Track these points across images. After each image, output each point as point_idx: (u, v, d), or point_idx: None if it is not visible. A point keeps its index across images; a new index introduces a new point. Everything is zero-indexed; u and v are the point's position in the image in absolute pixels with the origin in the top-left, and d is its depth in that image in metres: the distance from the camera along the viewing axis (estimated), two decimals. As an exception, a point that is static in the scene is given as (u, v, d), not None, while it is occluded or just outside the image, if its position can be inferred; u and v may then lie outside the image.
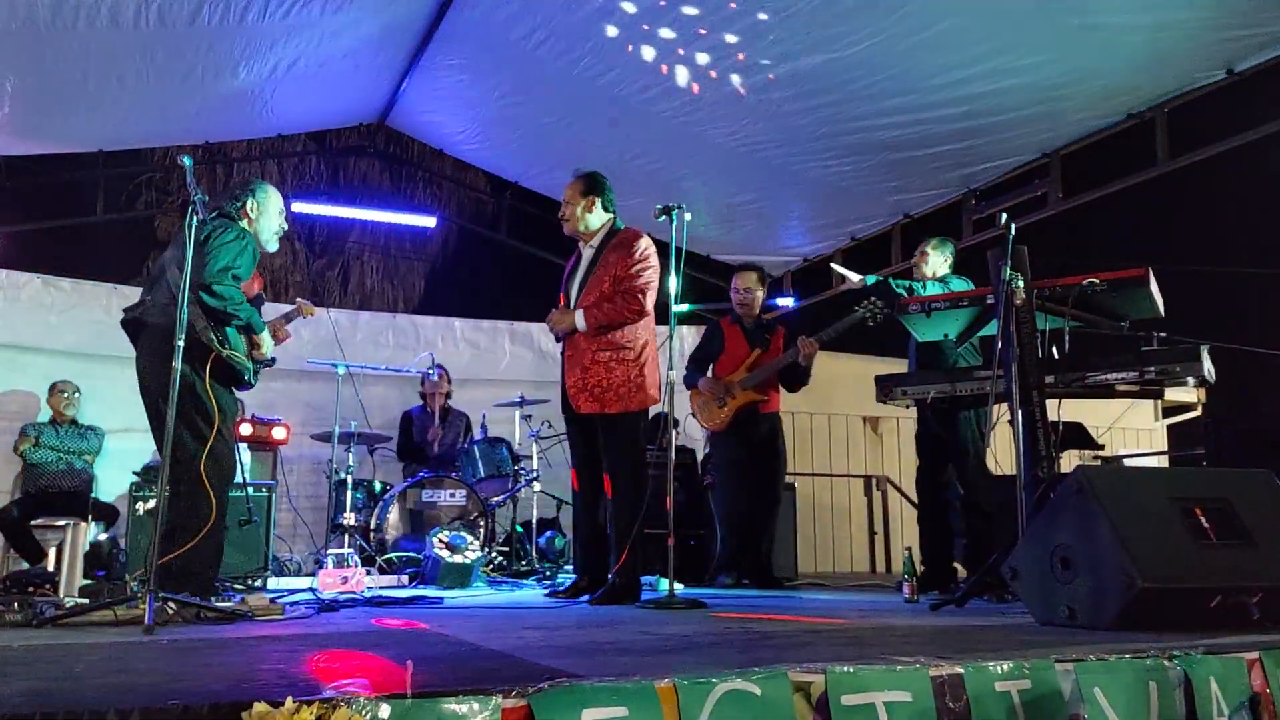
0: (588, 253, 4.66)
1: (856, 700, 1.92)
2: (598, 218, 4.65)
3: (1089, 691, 2.16)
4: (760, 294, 6.12)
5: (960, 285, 5.42)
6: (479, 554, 5.75)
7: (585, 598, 4.45)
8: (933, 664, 2.04)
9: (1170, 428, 10.55)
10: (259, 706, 1.45)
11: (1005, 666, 2.09)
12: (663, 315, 4.41)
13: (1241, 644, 2.43)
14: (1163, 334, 4.61)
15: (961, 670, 2.04)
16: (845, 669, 1.95)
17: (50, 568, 6.01)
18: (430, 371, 7.36)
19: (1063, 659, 2.18)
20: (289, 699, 1.47)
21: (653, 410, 4.64)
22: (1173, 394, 4.39)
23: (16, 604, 3.08)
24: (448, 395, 7.60)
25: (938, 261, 5.74)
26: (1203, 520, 3.09)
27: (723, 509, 6.12)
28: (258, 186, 4.27)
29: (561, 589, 4.74)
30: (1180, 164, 6.06)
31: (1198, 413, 5.45)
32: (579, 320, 4.46)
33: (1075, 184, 6.64)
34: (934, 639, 2.67)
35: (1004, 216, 4.04)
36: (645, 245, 4.51)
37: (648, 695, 1.75)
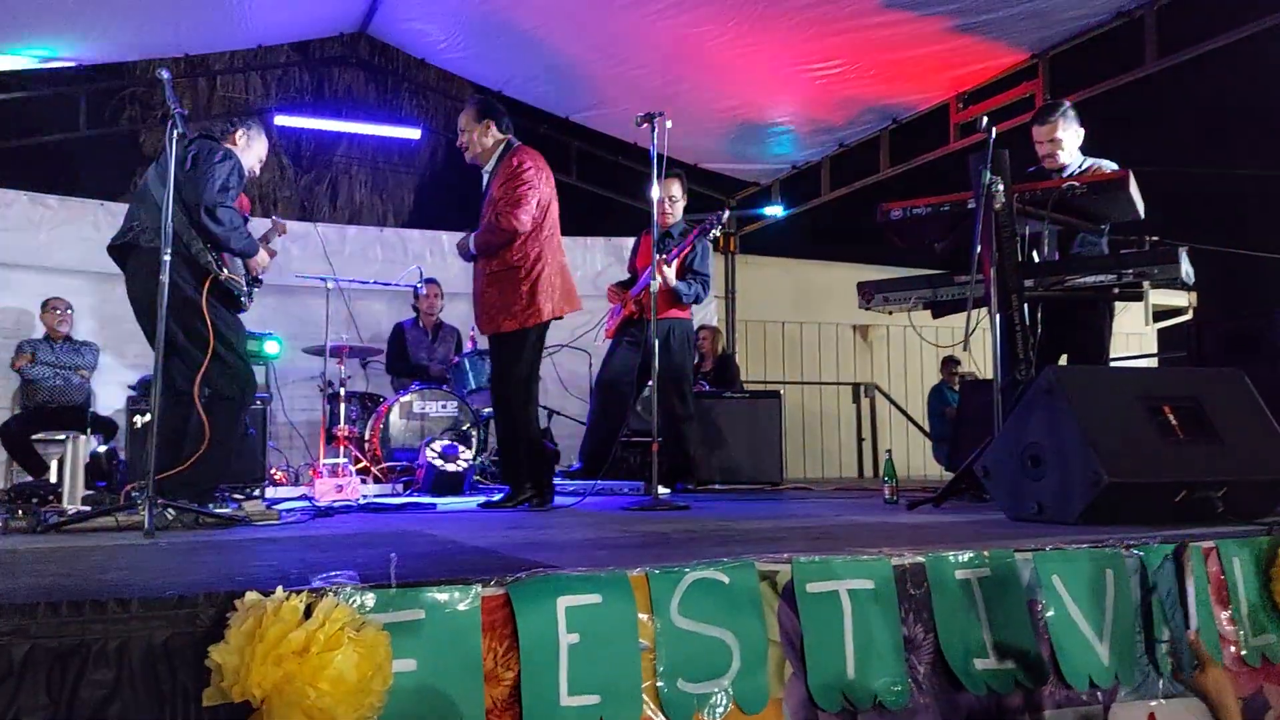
0: (485, 176, 4.65)
1: (821, 588, 2.03)
2: (491, 139, 4.59)
3: (1047, 579, 2.26)
4: (681, 202, 6.00)
5: None
6: (471, 462, 5.87)
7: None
8: (895, 554, 2.14)
9: (1160, 332, 10.64)
10: (250, 595, 1.54)
11: (965, 556, 2.19)
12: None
13: (1202, 535, 2.53)
14: (1154, 237, 4.64)
15: (923, 559, 2.15)
16: (811, 559, 2.05)
17: (52, 480, 6.14)
18: (419, 285, 7.39)
19: (1022, 549, 2.28)
20: (279, 588, 1.56)
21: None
22: (1163, 298, 4.42)
23: (21, 511, 3.17)
24: (440, 309, 7.64)
25: None
26: (1171, 418, 3.17)
27: (590, 408, 6.15)
28: (254, 123, 4.33)
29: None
30: (1169, 63, 6.00)
31: (1189, 316, 5.48)
32: (470, 244, 4.55)
33: (1062, 86, 6.59)
34: (902, 534, 2.78)
35: (984, 119, 4.04)
36: (520, 163, 4.45)
37: (620, 584, 1.85)
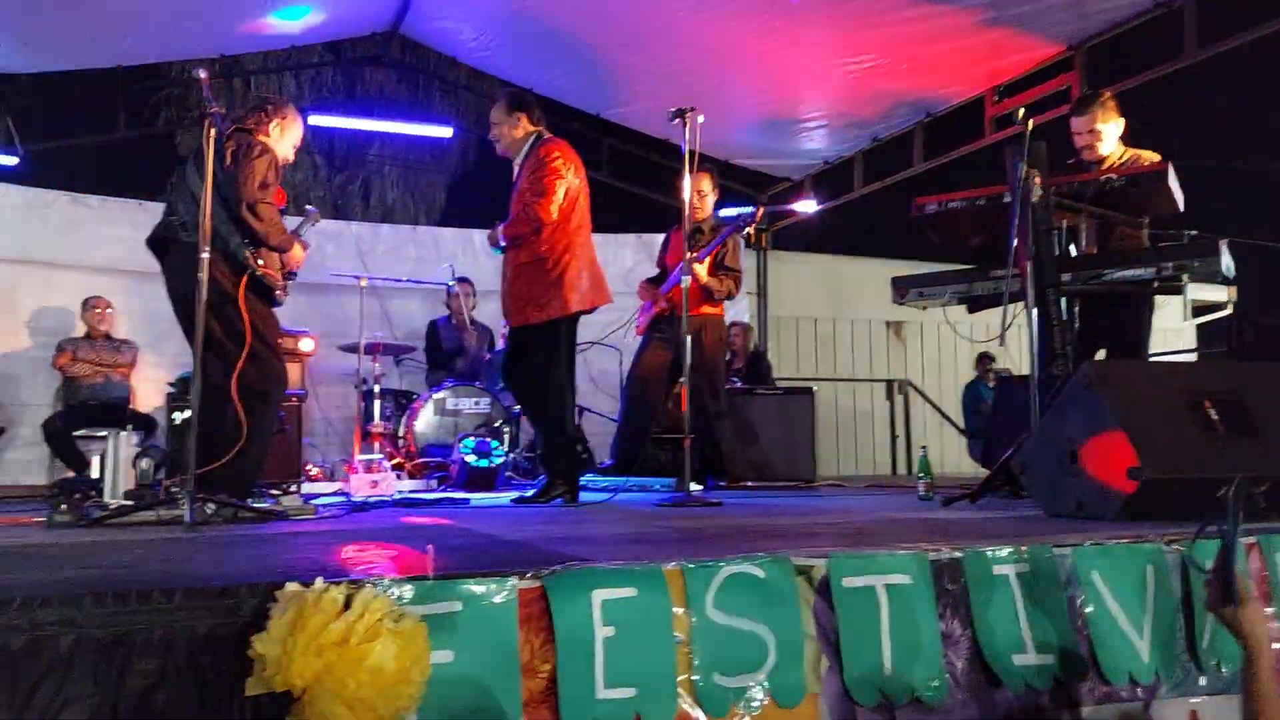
0: (515, 169, 4.65)
1: (857, 583, 2.01)
2: (522, 132, 4.60)
3: (1086, 575, 2.23)
4: (711, 197, 6.00)
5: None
6: (504, 458, 5.91)
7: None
8: (933, 549, 2.12)
9: (1200, 327, 10.46)
10: (291, 586, 1.55)
11: (1004, 551, 2.17)
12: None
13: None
14: (1193, 231, 4.57)
15: (960, 554, 2.13)
16: (846, 553, 2.04)
17: (94, 475, 6.24)
18: (450, 284, 7.43)
19: (1061, 545, 2.25)
20: (319, 579, 1.57)
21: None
22: (1202, 293, 4.35)
23: (65, 506, 3.23)
24: (473, 308, 7.68)
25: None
26: (1212, 412, 3.12)
27: (621, 405, 6.17)
28: (287, 106, 4.30)
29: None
30: (1208, 54, 5.91)
31: (1228, 311, 5.40)
32: (500, 235, 4.54)
33: (1099, 77, 6.50)
34: (938, 529, 2.76)
35: (1021, 111, 3.99)
36: (548, 153, 4.45)
37: (655, 577, 1.84)
